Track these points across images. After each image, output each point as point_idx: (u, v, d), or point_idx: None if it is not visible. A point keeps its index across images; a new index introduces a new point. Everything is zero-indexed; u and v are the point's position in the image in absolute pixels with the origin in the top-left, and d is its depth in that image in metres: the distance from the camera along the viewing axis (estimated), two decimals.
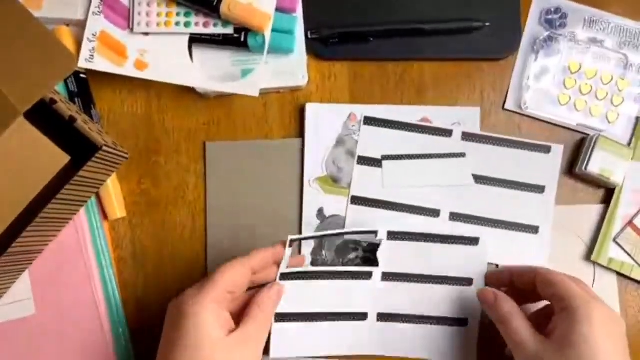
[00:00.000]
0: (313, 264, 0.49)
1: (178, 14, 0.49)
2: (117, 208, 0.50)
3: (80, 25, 0.50)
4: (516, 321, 0.40)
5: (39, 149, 0.41)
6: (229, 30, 0.49)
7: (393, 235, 0.47)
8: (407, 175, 0.49)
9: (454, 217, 0.49)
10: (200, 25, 0.49)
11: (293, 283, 0.45)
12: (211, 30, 0.49)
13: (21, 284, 0.48)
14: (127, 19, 0.50)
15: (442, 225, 0.49)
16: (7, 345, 0.48)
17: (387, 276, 0.47)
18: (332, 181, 0.50)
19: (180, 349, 0.37)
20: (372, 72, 0.51)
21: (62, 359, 0.48)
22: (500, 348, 0.46)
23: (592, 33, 0.51)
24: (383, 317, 0.47)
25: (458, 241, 0.47)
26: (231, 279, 0.40)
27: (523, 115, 0.51)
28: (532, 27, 0.51)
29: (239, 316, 0.40)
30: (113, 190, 0.50)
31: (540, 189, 0.49)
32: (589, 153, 0.48)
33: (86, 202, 0.49)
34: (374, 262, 0.48)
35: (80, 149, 0.43)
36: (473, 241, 0.47)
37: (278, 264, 0.44)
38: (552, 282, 0.40)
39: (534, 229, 0.49)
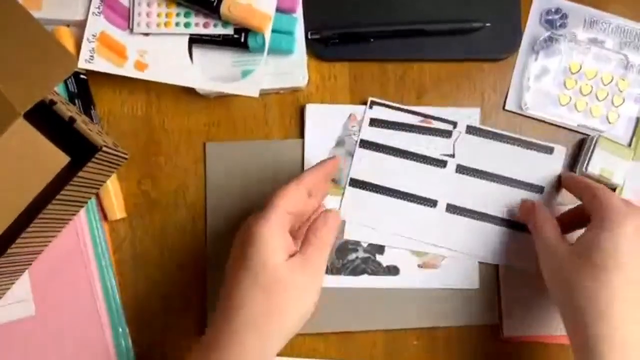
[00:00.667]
0: None
1: (178, 15, 0.49)
2: (117, 209, 0.50)
3: (80, 26, 0.50)
4: (548, 226, 0.43)
5: (38, 150, 0.41)
6: (229, 30, 0.49)
7: (471, 130, 0.49)
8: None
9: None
10: (200, 25, 0.49)
11: (370, 154, 0.49)
12: (211, 30, 0.49)
13: (21, 285, 0.48)
14: (127, 20, 0.50)
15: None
16: (7, 345, 0.48)
17: (461, 169, 0.49)
18: (332, 182, 0.50)
19: (244, 270, 0.38)
20: (373, 72, 0.51)
21: (61, 359, 0.48)
22: None
23: (592, 33, 0.51)
24: (452, 208, 0.49)
25: (532, 147, 0.49)
26: (290, 201, 0.41)
27: (523, 116, 0.51)
28: (532, 27, 0.51)
29: (299, 242, 0.42)
30: (113, 191, 0.50)
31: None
32: (589, 153, 0.48)
33: (86, 202, 0.49)
34: (375, 262, 0.48)
35: (80, 150, 0.43)
36: (547, 149, 0.49)
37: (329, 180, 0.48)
38: (594, 191, 0.42)
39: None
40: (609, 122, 0.50)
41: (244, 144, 0.51)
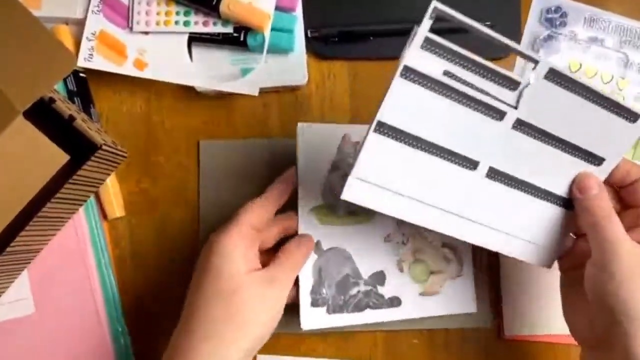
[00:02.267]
0: (313, 304, 0.45)
1: (177, 13, 0.49)
2: (116, 207, 0.50)
3: (79, 24, 0.50)
4: (615, 218, 0.38)
5: (38, 148, 0.41)
6: (229, 29, 0.49)
7: (554, 76, 0.37)
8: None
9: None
10: (199, 24, 0.49)
11: (412, 88, 0.35)
12: (211, 29, 0.49)
13: (20, 283, 0.48)
14: (126, 18, 0.50)
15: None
16: (6, 344, 0.48)
17: (521, 125, 0.38)
18: (328, 210, 0.46)
19: (205, 278, 0.40)
20: (372, 71, 0.51)
21: (61, 358, 0.48)
22: None
23: (592, 32, 0.51)
24: (494, 173, 0.39)
25: (612, 108, 0.38)
26: (253, 215, 0.42)
27: None
28: (532, 26, 0.51)
29: (268, 260, 0.42)
30: (112, 189, 0.50)
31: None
32: None
33: (85, 201, 0.49)
34: (377, 294, 0.46)
35: (79, 148, 0.42)
36: (631, 116, 0.38)
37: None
38: None
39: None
40: None
41: (239, 142, 0.51)
